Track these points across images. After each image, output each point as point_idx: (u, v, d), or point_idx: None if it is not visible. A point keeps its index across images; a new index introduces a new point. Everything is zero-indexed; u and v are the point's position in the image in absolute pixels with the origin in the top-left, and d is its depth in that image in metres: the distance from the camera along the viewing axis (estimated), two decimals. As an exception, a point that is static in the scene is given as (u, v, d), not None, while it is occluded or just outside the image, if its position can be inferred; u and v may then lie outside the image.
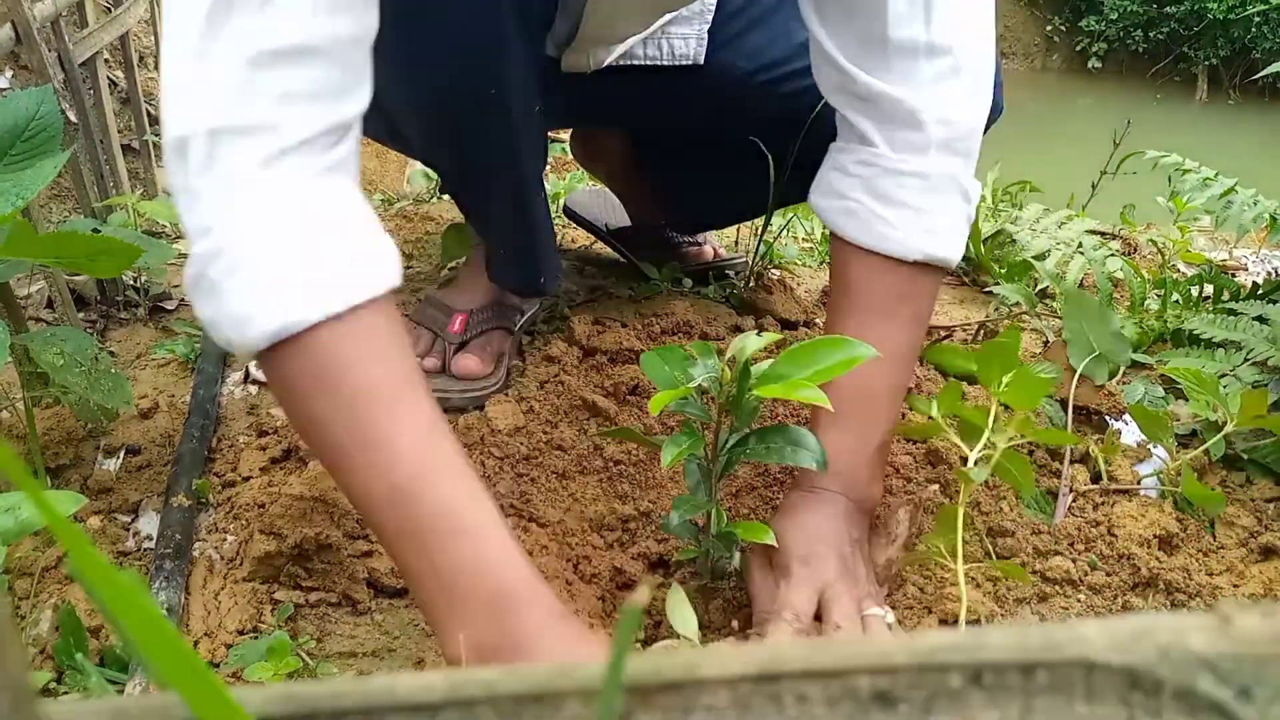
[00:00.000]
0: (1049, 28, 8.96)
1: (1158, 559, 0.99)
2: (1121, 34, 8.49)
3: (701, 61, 1.22)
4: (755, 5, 1.23)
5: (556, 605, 0.69)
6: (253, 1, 0.66)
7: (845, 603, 0.83)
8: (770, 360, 0.77)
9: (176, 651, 0.21)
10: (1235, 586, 0.98)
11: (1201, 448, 1.11)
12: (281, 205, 0.68)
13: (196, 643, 0.87)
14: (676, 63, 1.22)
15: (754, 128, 1.24)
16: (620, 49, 1.18)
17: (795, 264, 1.70)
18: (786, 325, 1.43)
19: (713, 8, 1.22)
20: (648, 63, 1.22)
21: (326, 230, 0.70)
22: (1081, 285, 1.60)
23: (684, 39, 1.21)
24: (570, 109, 1.28)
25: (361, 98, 0.73)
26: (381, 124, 1.03)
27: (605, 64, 1.17)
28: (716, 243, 1.66)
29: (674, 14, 1.18)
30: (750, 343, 0.74)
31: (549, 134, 1.34)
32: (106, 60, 1.83)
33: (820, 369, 0.74)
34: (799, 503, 0.91)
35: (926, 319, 1.01)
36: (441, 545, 0.67)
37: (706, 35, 1.22)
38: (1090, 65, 8.63)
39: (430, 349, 1.23)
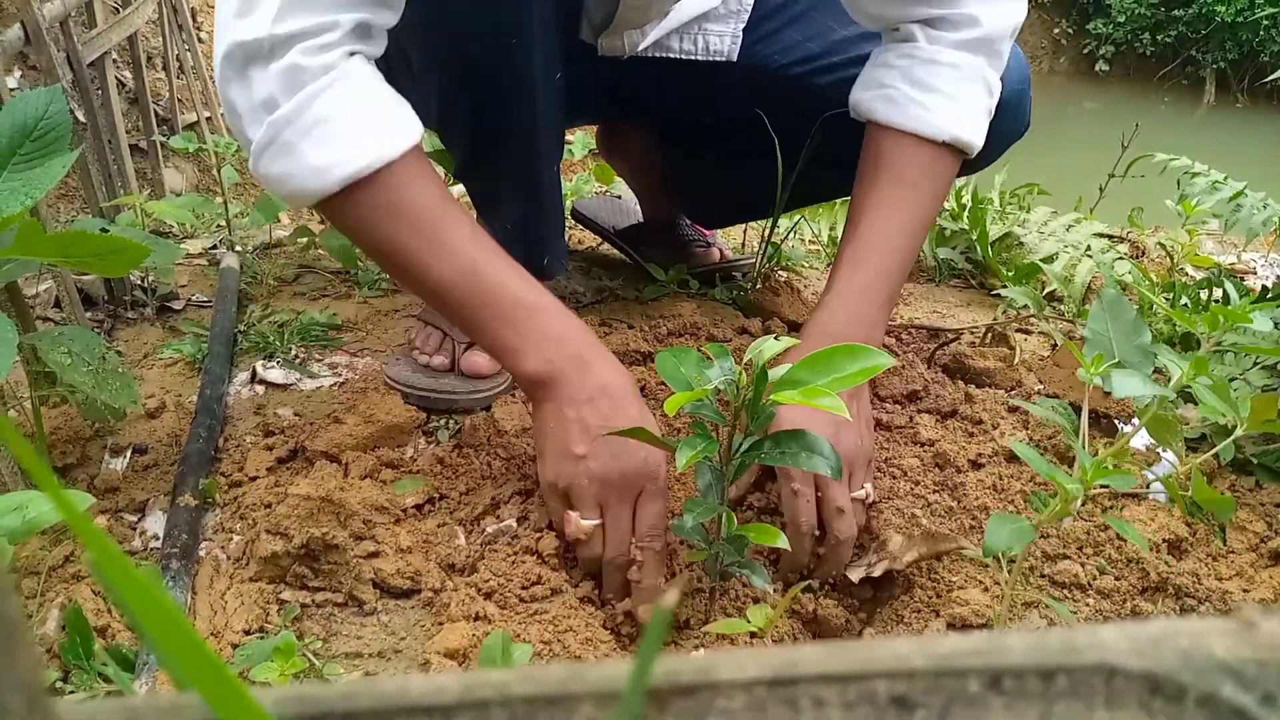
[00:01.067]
0: (1056, 30, 8.95)
1: (1167, 563, 0.99)
2: (1129, 37, 8.48)
3: (735, 59, 1.25)
4: (794, 5, 1.25)
5: (607, 351, 0.95)
6: None
7: (833, 490, 0.94)
8: (787, 364, 0.77)
9: (197, 650, 0.21)
10: (1245, 591, 0.97)
11: (1211, 452, 1.10)
12: (340, 78, 0.86)
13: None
14: (711, 58, 1.25)
15: (783, 121, 1.25)
16: (654, 34, 1.19)
17: (802, 266, 1.70)
18: (793, 327, 1.42)
19: (749, 7, 1.24)
20: (682, 56, 1.25)
21: (374, 96, 0.89)
22: (1089, 289, 1.60)
23: (719, 35, 1.25)
24: (603, 95, 1.30)
25: (397, 9, 0.90)
26: (401, 91, 1.05)
27: (640, 49, 1.19)
28: (724, 244, 1.66)
29: (710, 8, 1.20)
30: (768, 347, 0.74)
31: (567, 131, 1.35)
32: (115, 61, 1.84)
33: (839, 377, 0.73)
34: (810, 344, 0.95)
35: (944, 198, 1.12)
36: (507, 302, 0.92)
37: (741, 34, 1.25)
38: (1097, 68, 8.62)
39: (439, 347, 1.22)
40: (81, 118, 1.50)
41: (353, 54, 0.88)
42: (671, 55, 1.25)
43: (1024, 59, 1.23)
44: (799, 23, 1.24)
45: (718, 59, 1.25)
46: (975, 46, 1.05)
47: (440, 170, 1.76)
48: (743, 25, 1.25)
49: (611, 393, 0.92)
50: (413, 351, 1.23)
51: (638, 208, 1.71)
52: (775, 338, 0.76)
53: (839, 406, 0.72)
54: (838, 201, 1.87)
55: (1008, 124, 1.21)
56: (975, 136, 1.06)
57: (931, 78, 1.04)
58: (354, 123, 0.87)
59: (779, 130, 1.27)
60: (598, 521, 0.91)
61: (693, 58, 1.25)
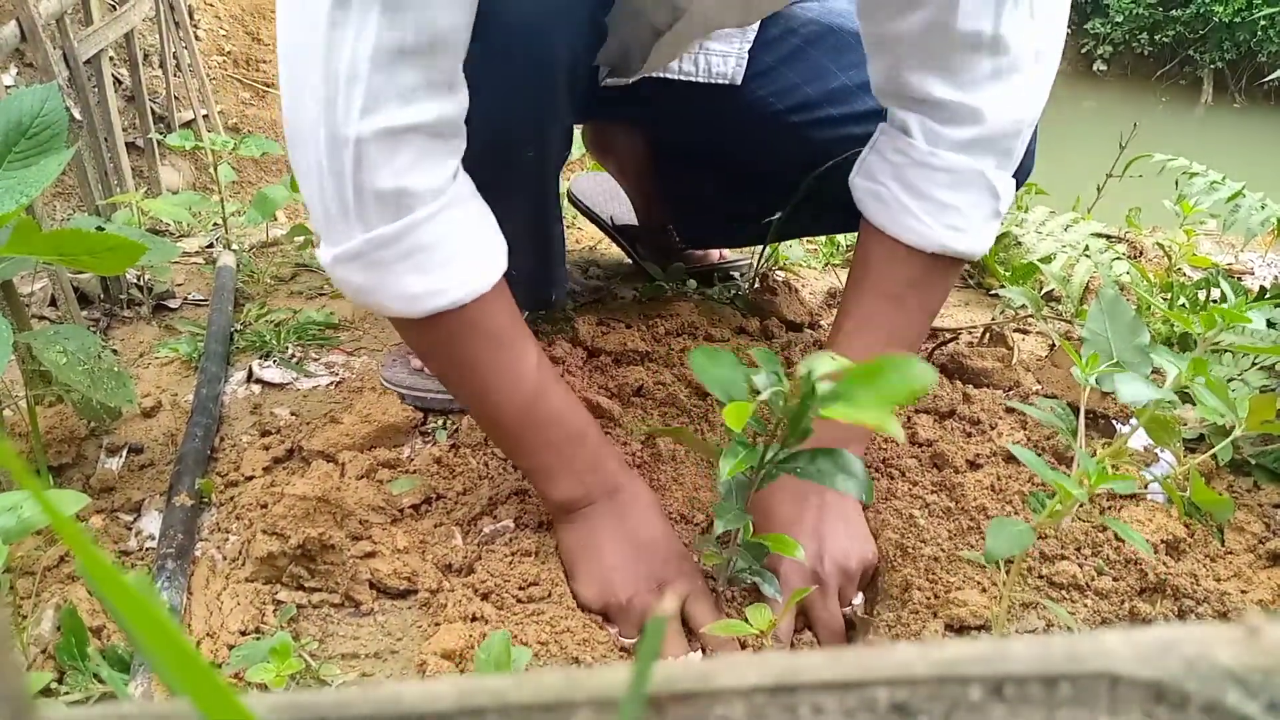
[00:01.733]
0: (1054, 30, 8.94)
1: (1165, 564, 0.99)
2: (1127, 37, 8.48)
3: (739, 82, 1.21)
4: (792, 37, 1.21)
5: (643, 483, 0.98)
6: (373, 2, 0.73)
7: (820, 608, 0.93)
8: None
9: (186, 656, 0.20)
10: (1243, 592, 0.97)
11: (1209, 453, 1.10)
12: (448, 205, 0.82)
13: (199, 643, 0.87)
14: (713, 80, 1.21)
15: (775, 161, 1.23)
16: (659, 63, 1.17)
17: (800, 266, 1.70)
18: (791, 327, 1.42)
19: (755, 27, 1.20)
20: (682, 78, 1.21)
21: (476, 225, 0.86)
22: (1087, 289, 1.59)
23: (723, 58, 1.20)
24: (599, 108, 1.27)
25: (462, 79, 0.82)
26: None
27: (642, 74, 1.17)
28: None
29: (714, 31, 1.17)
30: (821, 363, 0.72)
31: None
32: (111, 58, 1.83)
33: (886, 394, 0.72)
34: (777, 487, 0.92)
35: (935, 311, 1.04)
36: (556, 428, 0.94)
37: (746, 55, 1.20)
38: (1095, 68, 8.62)
39: None
40: (78, 115, 1.49)
41: (451, 161, 0.83)
42: (672, 76, 1.20)
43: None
44: (797, 61, 1.19)
45: (720, 81, 1.21)
46: (976, 148, 0.93)
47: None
48: (748, 45, 1.20)
49: (638, 510, 0.96)
50: (409, 353, 1.23)
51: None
52: (832, 357, 0.75)
53: (891, 427, 0.70)
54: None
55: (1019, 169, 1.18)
56: (974, 245, 0.96)
57: (924, 183, 0.94)
58: (454, 254, 0.84)
59: (770, 167, 1.24)
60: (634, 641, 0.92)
61: (692, 79, 1.21)
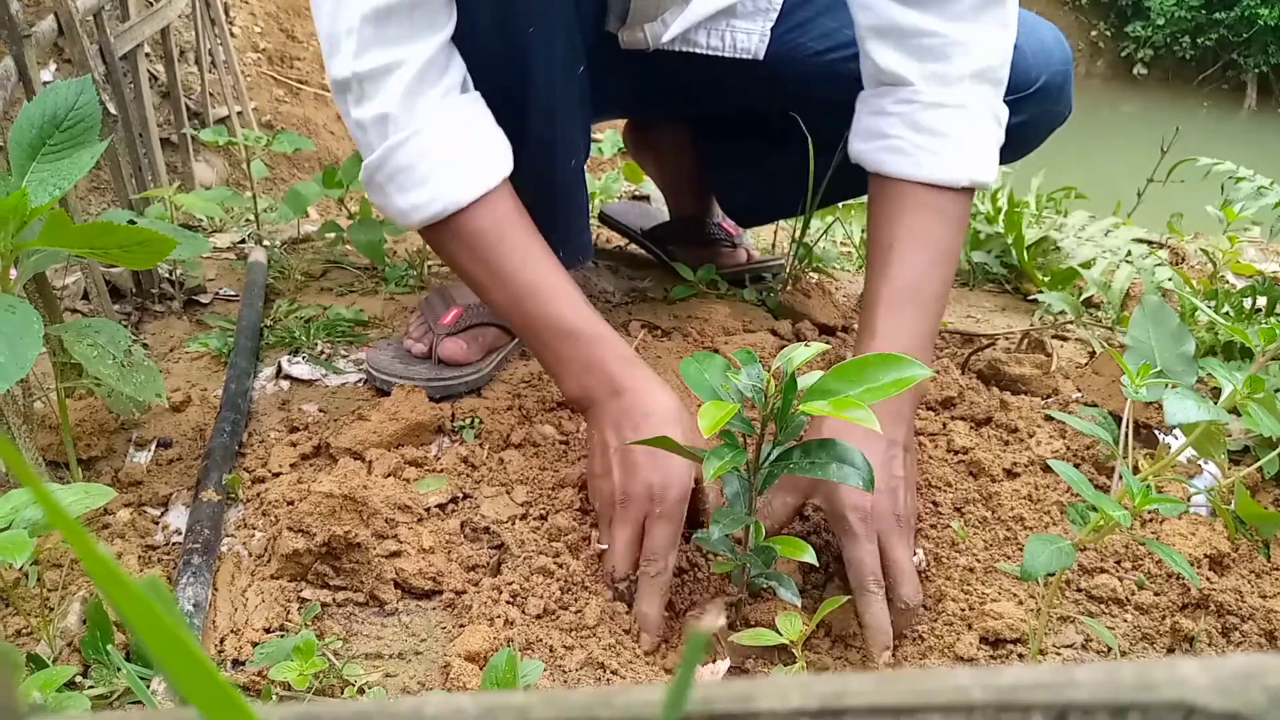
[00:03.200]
0: (1094, 33, 8.84)
1: (1208, 579, 0.96)
2: (1168, 40, 8.36)
3: (762, 56, 1.23)
4: (816, 2, 1.23)
5: (645, 370, 0.98)
6: None
7: (899, 551, 0.89)
8: (817, 371, 0.75)
9: (193, 660, 0.19)
10: (1290, 609, 0.94)
11: (1255, 465, 1.07)
12: (420, 131, 0.96)
13: (223, 640, 0.86)
14: (738, 55, 1.23)
15: (816, 114, 1.23)
16: (677, 27, 1.17)
17: (834, 267, 1.67)
18: (824, 330, 1.40)
19: (777, 7, 1.22)
20: (710, 53, 1.23)
21: (453, 145, 0.98)
22: (1128, 295, 1.56)
23: (747, 33, 1.23)
24: (629, 89, 1.28)
25: (452, 14, 0.97)
26: None
27: (663, 42, 1.17)
28: (751, 245, 1.64)
29: (733, 2, 1.19)
30: (798, 354, 0.72)
31: (593, 128, 1.34)
32: (147, 54, 1.84)
33: (871, 387, 0.71)
34: (835, 433, 0.90)
35: (966, 229, 1.13)
36: (548, 326, 0.98)
37: (769, 33, 1.22)
38: (1136, 72, 8.50)
39: (422, 335, 1.24)
40: (113, 110, 1.50)
41: (449, 91, 0.97)
42: (698, 50, 1.23)
43: (1065, 42, 1.21)
44: (830, 12, 1.22)
45: (744, 56, 1.24)
46: (977, 79, 1.00)
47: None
48: (770, 24, 1.23)
49: (641, 416, 0.93)
50: (404, 339, 1.25)
51: (664, 210, 1.69)
52: (805, 344, 0.74)
53: (871, 420, 0.69)
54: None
55: (1050, 108, 1.19)
56: (990, 175, 1.02)
57: (939, 123, 1.00)
58: (430, 171, 0.97)
59: (811, 125, 1.25)
60: (605, 547, 0.92)
61: (719, 54, 1.24)
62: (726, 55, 1.23)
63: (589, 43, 1.09)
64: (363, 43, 0.93)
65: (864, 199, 1.16)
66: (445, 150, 0.97)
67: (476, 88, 1.03)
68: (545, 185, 1.15)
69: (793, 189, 1.43)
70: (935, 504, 1.04)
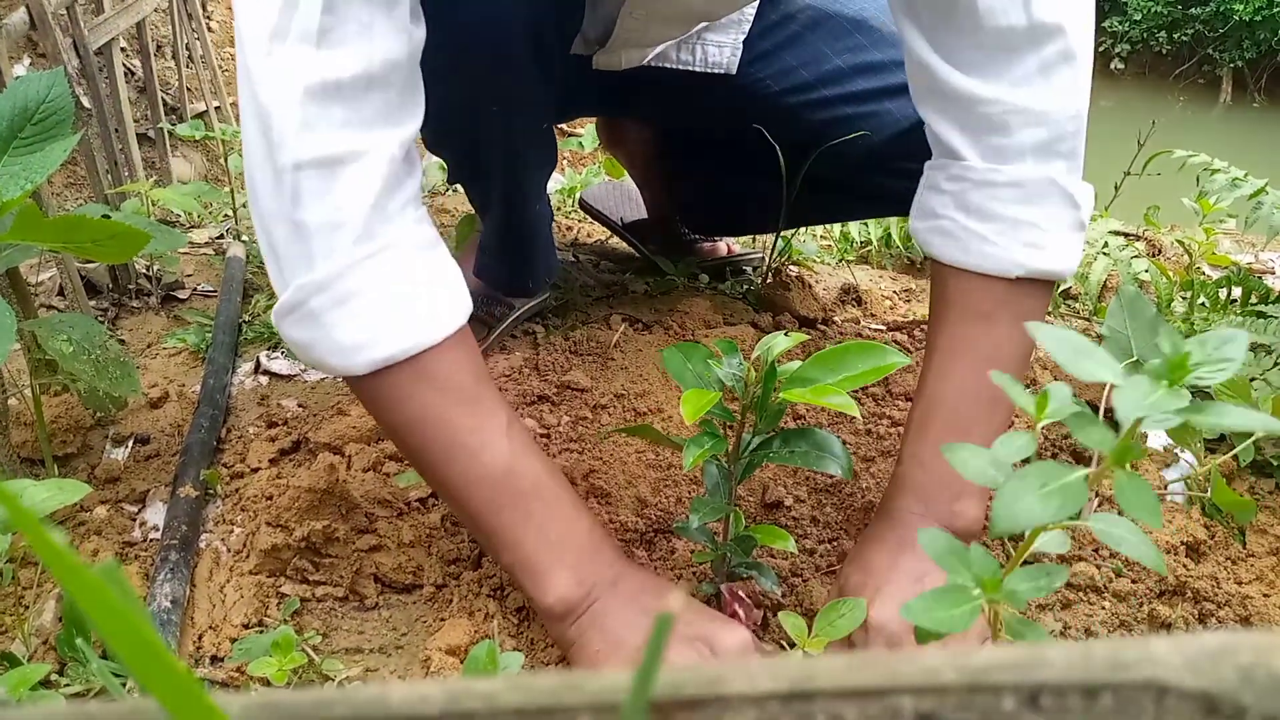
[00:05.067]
0: (1071, 28, 8.88)
1: (1185, 566, 0.97)
2: (1145, 35, 8.41)
3: (734, 71, 1.20)
4: (790, 23, 1.21)
5: (638, 567, 0.84)
6: (311, 31, 0.70)
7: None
8: (798, 361, 0.75)
9: (152, 651, 0.19)
10: (1266, 596, 0.95)
11: (1230, 453, 1.08)
12: (381, 249, 0.74)
13: (201, 636, 0.86)
14: (710, 70, 1.21)
15: (779, 141, 1.23)
16: (654, 51, 1.16)
17: (814, 261, 1.68)
18: (804, 323, 1.40)
19: (750, 18, 1.20)
20: (680, 68, 1.21)
21: (419, 271, 0.77)
22: (1105, 286, 1.57)
23: (719, 47, 1.20)
24: (599, 102, 1.27)
25: (419, 108, 0.78)
26: None
27: (637, 64, 1.16)
28: (731, 239, 1.64)
29: (710, 22, 1.17)
30: (778, 343, 0.72)
31: (564, 125, 1.34)
32: (123, 49, 1.82)
33: (849, 375, 0.71)
34: (872, 534, 0.87)
35: (1031, 346, 0.93)
36: (539, 506, 0.79)
37: (741, 45, 1.20)
38: (1113, 66, 8.56)
39: None
40: (88, 104, 1.48)
41: (399, 196, 0.76)
42: (669, 65, 1.20)
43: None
44: (794, 46, 1.19)
45: (716, 71, 1.20)
46: (1040, 153, 0.83)
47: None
48: (743, 36, 1.20)
49: (650, 592, 0.80)
50: None
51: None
52: (785, 333, 0.74)
53: (849, 406, 0.69)
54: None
55: None
56: (1060, 263, 0.85)
57: (990, 203, 0.85)
58: (393, 300, 0.75)
59: (771, 151, 1.24)
60: None
61: (690, 68, 1.21)
62: (697, 70, 1.20)
63: (558, 61, 1.05)
64: (307, 122, 0.71)
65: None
66: (420, 275, 0.77)
67: (442, 117, 0.88)
68: (515, 228, 1.16)
69: (748, 213, 1.43)
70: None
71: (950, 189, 0.87)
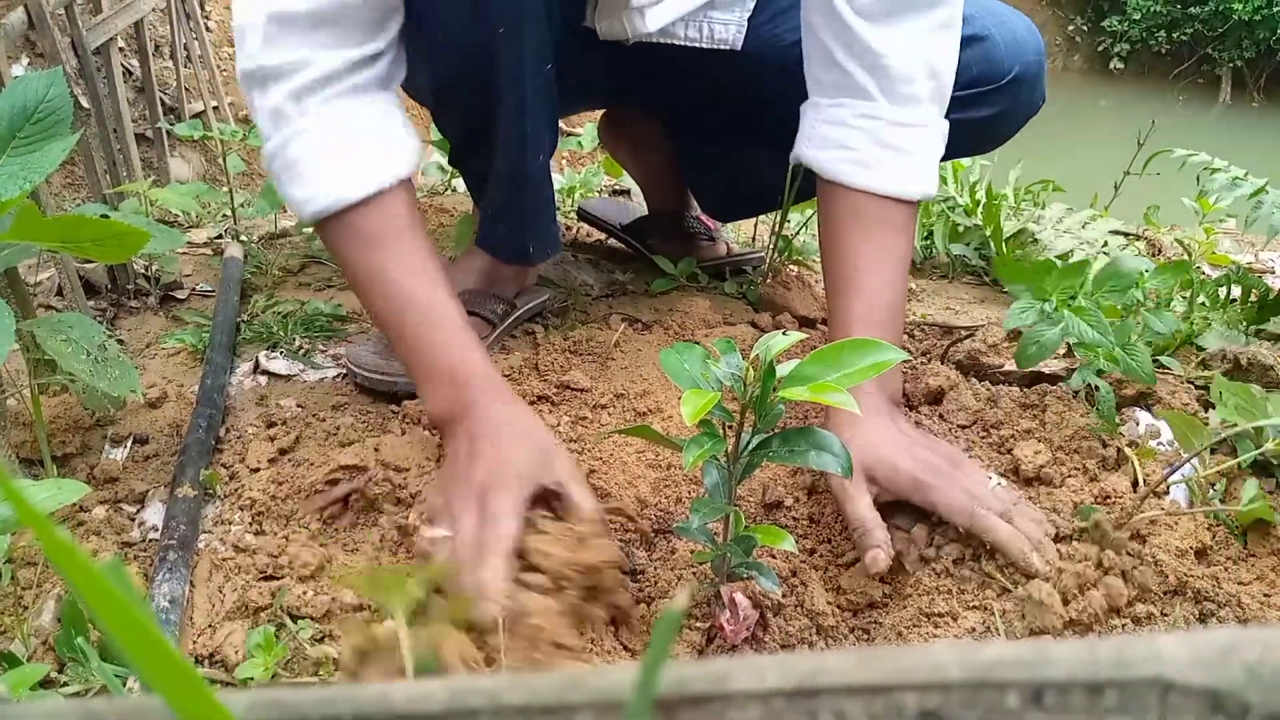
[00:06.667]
0: (1070, 28, 8.89)
1: (1186, 566, 0.96)
2: (1144, 35, 8.42)
3: (739, 48, 1.23)
4: None
5: (507, 393, 0.97)
6: None
7: (954, 494, 0.92)
8: (795, 360, 0.75)
9: (159, 649, 0.19)
10: (1266, 596, 0.95)
11: (1235, 461, 1.08)
12: (309, 128, 0.96)
13: (199, 635, 0.85)
14: (716, 46, 1.23)
15: (790, 104, 1.23)
16: (656, 20, 1.16)
17: (813, 260, 1.68)
18: (804, 322, 1.40)
19: None
20: (687, 44, 1.23)
21: (343, 145, 0.97)
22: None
23: (725, 25, 1.23)
24: (607, 81, 1.28)
25: (389, 30, 0.98)
26: (412, 78, 1.07)
27: (643, 35, 1.17)
28: (730, 239, 1.64)
29: None
30: (776, 342, 0.72)
31: (563, 125, 1.34)
32: (121, 49, 1.82)
33: (848, 372, 0.71)
34: (844, 418, 0.94)
35: (914, 238, 1.16)
36: (421, 338, 0.97)
37: (746, 23, 1.23)
38: (1112, 66, 8.56)
39: None
40: (86, 104, 1.48)
41: (346, 89, 0.97)
42: (676, 42, 1.23)
43: (1037, 32, 1.22)
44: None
45: (723, 48, 1.24)
46: (935, 99, 1.05)
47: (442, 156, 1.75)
48: (748, 15, 1.23)
49: (493, 429, 0.91)
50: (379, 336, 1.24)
51: (643, 205, 1.69)
52: (784, 333, 0.74)
53: (849, 403, 0.69)
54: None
55: (1023, 99, 1.19)
56: (934, 187, 1.09)
57: (904, 141, 1.04)
58: (321, 164, 0.97)
59: (787, 118, 1.25)
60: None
61: (697, 45, 1.24)
62: (704, 47, 1.23)
63: (566, 34, 1.09)
64: (269, 38, 0.94)
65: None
66: (336, 146, 0.97)
67: (446, 85, 1.03)
68: (515, 181, 1.15)
69: (768, 185, 1.43)
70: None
71: (861, 125, 1.05)
